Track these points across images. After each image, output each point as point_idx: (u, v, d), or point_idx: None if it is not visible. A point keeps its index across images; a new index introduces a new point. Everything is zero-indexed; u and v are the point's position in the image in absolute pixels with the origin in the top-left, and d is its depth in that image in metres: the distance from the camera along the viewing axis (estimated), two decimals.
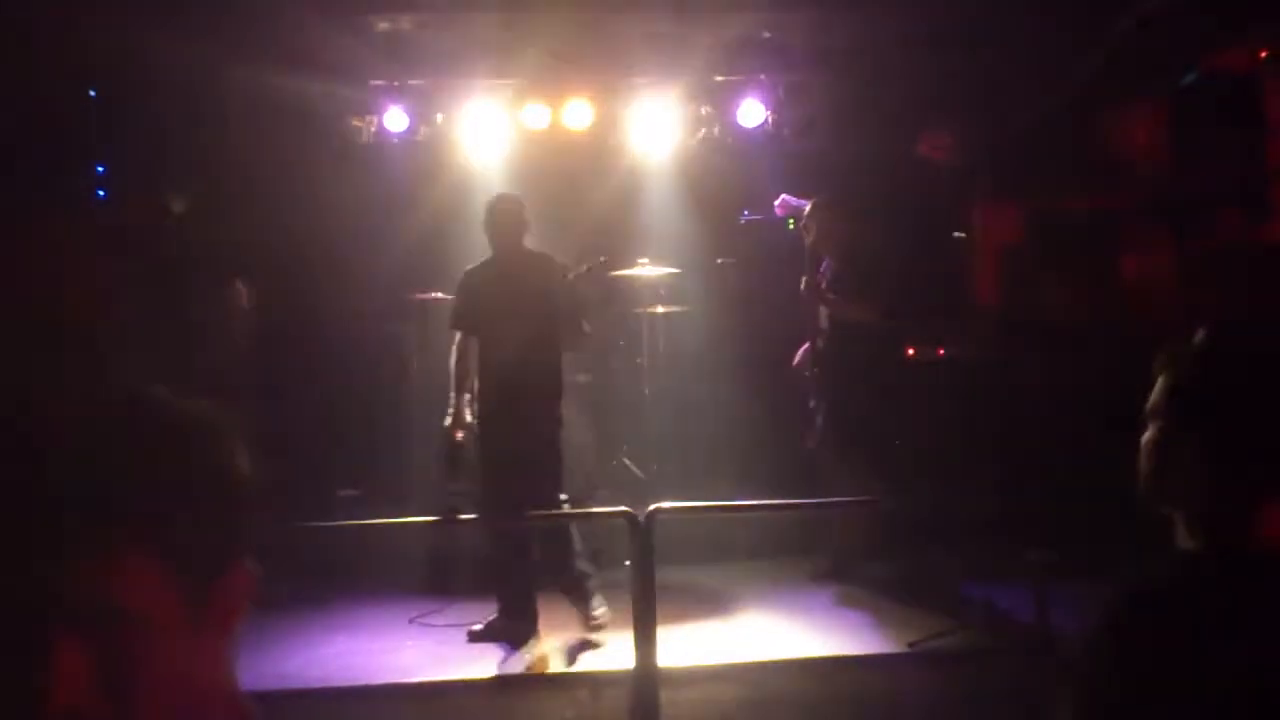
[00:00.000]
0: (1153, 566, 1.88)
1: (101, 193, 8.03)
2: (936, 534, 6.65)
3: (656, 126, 8.48)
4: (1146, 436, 1.92)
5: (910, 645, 5.73)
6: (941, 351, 7.59)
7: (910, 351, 7.50)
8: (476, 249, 6.23)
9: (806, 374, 7.14)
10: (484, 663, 5.77)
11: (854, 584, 6.73)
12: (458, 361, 5.89)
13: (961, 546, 6.45)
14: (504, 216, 6.07)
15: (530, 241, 6.16)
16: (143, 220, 7.50)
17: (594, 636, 5.87)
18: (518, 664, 5.68)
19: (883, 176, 8.05)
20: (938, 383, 7.34)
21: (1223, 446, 1.84)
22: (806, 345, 7.19)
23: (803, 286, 7.06)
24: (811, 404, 7.08)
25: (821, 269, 7.12)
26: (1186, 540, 1.87)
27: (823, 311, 7.03)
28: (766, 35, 8.13)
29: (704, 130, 8.70)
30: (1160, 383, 1.92)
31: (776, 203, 7.90)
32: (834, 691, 5.34)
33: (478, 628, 6.03)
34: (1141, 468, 1.93)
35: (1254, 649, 1.73)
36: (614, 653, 5.50)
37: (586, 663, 5.71)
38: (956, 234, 8.23)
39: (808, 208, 7.14)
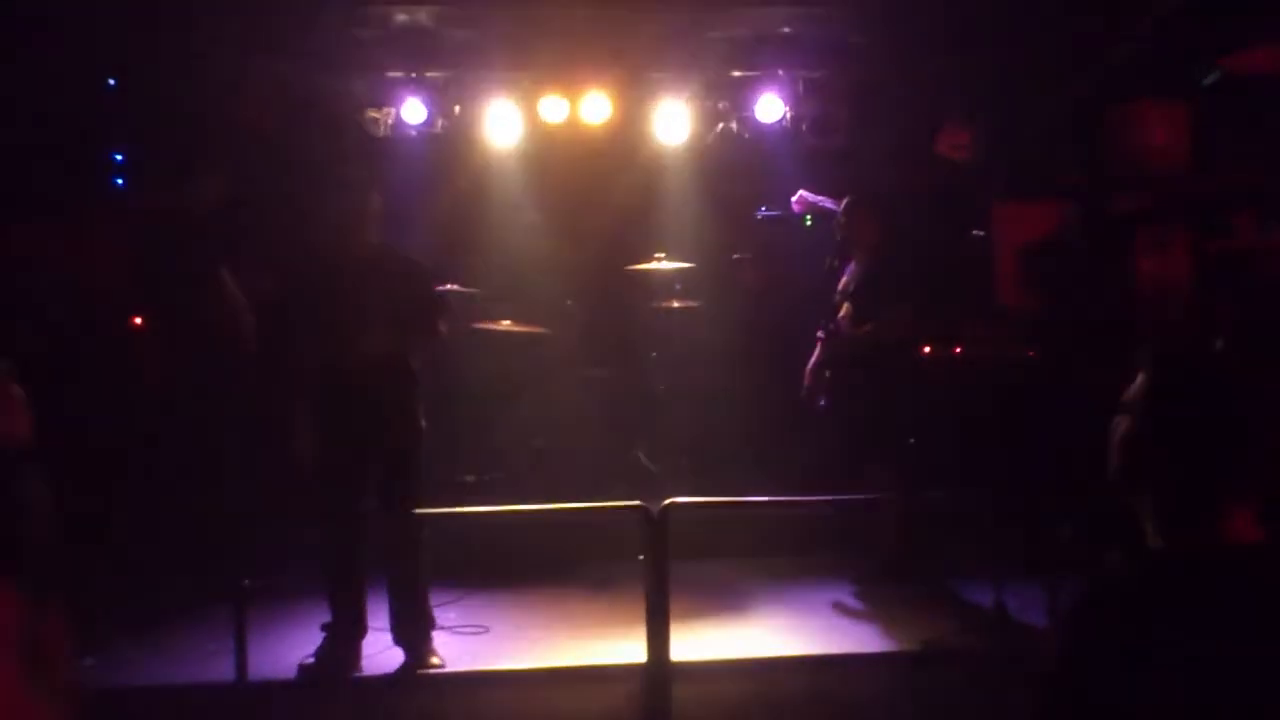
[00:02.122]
0: (1117, 563, 1.91)
1: (119, 181, 8.06)
2: (953, 533, 6.64)
3: (674, 121, 8.46)
4: (1120, 429, 1.94)
5: (924, 644, 5.72)
6: (958, 350, 7.57)
7: (926, 350, 7.48)
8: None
9: (822, 402, 7.09)
10: (494, 656, 5.78)
11: (900, 583, 6.69)
12: None
13: (977, 546, 6.43)
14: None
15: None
16: (167, 207, 7.52)
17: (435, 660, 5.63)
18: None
19: (901, 174, 8.03)
20: (954, 382, 7.31)
21: (1190, 451, 1.87)
22: (814, 362, 7.13)
23: (821, 334, 7.04)
24: (822, 403, 7.08)
25: (845, 275, 7.10)
26: (1154, 537, 1.90)
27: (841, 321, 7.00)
28: (786, 30, 8.10)
29: (721, 125, 8.69)
30: (1140, 379, 1.94)
31: (794, 199, 7.89)
32: (847, 689, 5.33)
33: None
34: (1112, 460, 1.95)
35: (1214, 646, 1.76)
36: (627, 647, 5.50)
37: (598, 656, 5.71)
38: (975, 232, 8.20)
39: (841, 207, 7.12)
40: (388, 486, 5.57)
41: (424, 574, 5.69)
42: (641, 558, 5.27)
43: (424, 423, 5.65)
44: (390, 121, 8.40)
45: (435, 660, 5.61)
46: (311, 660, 5.49)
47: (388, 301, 5.53)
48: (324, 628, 5.59)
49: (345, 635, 5.58)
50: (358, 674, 5.52)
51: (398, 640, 5.64)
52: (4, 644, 2.56)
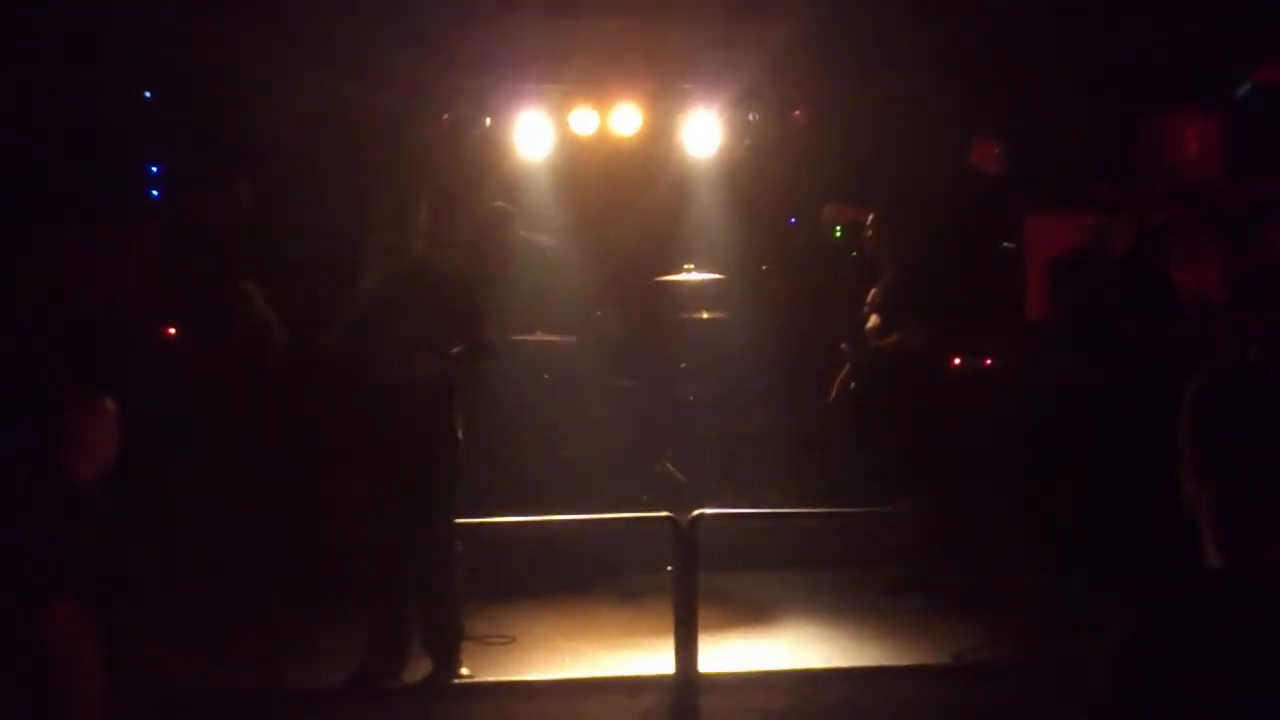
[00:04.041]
0: (1175, 584, 1.87)
1: (154, 193, 8.14)
2: (982, 545, 6.61)
3: (704, 132, 8.47)
4: (1180, 447, 1.91)
5: (955, 657, 5.70)
6: (989, 362, 7.55)
7: (957, 361, 7.46)
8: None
9: (848, 413, 7.10)
10: (521, 666, 5.80)
11: (923, 595, 6.67)
12: None
13: (1007, 558, 6.41)
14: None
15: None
16: (200, 219, 7.59)
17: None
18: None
19: (932, 185, 8.02)
20: (984, 393, 7.29)
21: (1243, 471, 1.83)
22: (844, 376, 7.13)
23: (844, 345, 7.04)
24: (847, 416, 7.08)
25: (874, 289, 7.10)
26: (1214, 558, 1.86)
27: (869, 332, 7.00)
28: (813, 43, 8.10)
29: (751, 136, 8.69)
30: (1189, 394, 1.90)
31: (824, 210, 7.89)
32: (876, 702, 5.32)
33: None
34: (1180, 480, 1.92)
35: (1271, 673, 1.72)
36: (655, 658, 5.51)
37: (626, 667, 5.72)
38: (1006, 244, 8.18)
39: (869, 219, 7.11)
40: (423, 499, 5.58)
41: (457, 586, 5.71)
42: (670, 568, 5.29)
43: (461, 434, 5.68)
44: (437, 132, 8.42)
45: (464, 671, 5.63)
46: (351, 671, 5.51)
47: (434, 316, 5.55)
48: (366, 637, 5.60)
49: (385, 647, 5.61)
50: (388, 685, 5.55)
51: (427, 650, 5.66)
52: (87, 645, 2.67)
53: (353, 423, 5.70)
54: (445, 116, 8.35)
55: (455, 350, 5.59)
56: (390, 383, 5.47)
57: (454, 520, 5.62)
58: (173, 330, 7.53)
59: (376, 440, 5.55)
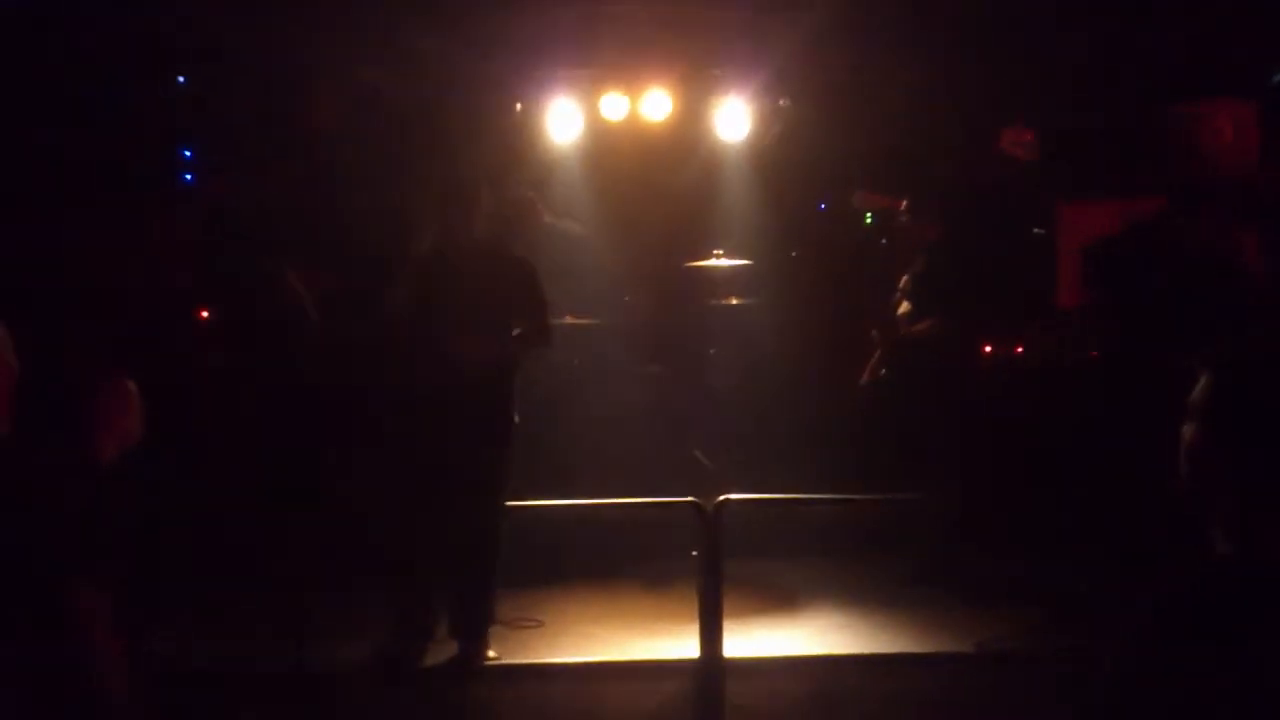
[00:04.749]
0: (1187, 570, 1.86)
1: (188, 177, 8.21)
2: (1008, 533, 6.59)
3: (734, 118, 8.45)
4: (1187, 435, 1.89)
5: (978, 645, 5.69)
6: (1020, 350, 7.50)
7: (987, 349, 7.42)
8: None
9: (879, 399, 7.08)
10: (547, 649, 5.83)
11: (947, 583, 6.65)
12: None
13: (1033, 546, 6.38)
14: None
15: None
16: (237, 202, 7.65)
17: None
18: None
19: (963, 172, 7.97)
20: (1015, 381, 7.25)
21: (1259, 456, 1.81)
22: (875, 362, 7.11)
23: (875, 332, 7.01)
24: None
25: (905, 276, 7.07)
26: (1223, 544, 1.85)
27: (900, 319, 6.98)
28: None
29: (781, 122, 8.66)
30: (1203, 381, 1.89)
31: (854, 196, 7.85)
32: (898, 689, 5.33)
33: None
34: (1181, 467, 1.90)
35: None
36: (680, 643, 5.52)
37: (651, 652, 5.74)
38: (1035, 230, 8.11)
39: (902, 206, 7.09)
40: (473, 480, 5.60)
41: (495, 570, 5.74)
42: (695, 553, 5.30)
43: (517, 418, 5.73)
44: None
45: (491, 654, 5.67)
46: (377, 651, 5.56)
47: (496, 299, 5.61)
48: (392, 617, 5.65)
49: (412, 628, 5.66)
50: (414, 666, 5.59)
51: (454, 633, 5.70)
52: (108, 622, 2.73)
53: (407, 400, 5.72)
54: (519, 106, 8.35)
55: (516, 333, 5.67)
56: (451, 362, 5.49)
57: (502, 504, 5.66)
58: (205, 313, 7.59)
59: (431, 418, 5.56)
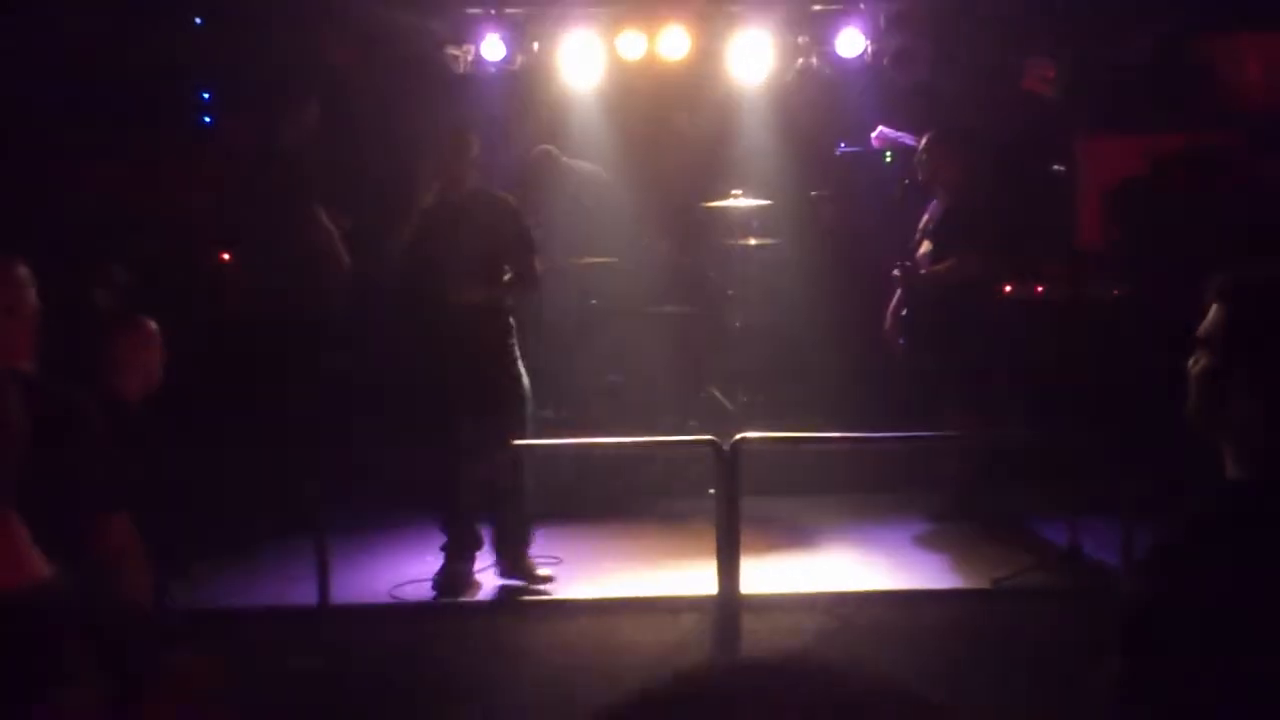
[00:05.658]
0: (1201, 497, 1.87)
1: (207, 119, 8.20)
2: (1028, 471, 6.60)
3: (753, 56, 8.37)
4: (1196, 365, 1.90)
5: (995, 581, 5.72)
6: (1040, 289, 7.46)
7: (1008, 289, 7.38)
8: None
9: (901, 341, 7.05)
10: (568, 585, 5.90)
11: (973, 520, 6.67)
12: None
13: (1053, 484, 6.39)
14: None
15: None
16: (251, 145, 7.65)
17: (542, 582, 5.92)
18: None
19: (984, 109, 7.89)
20: (1035, 320, 7.22)
21: (1273, 381, 1.82)
22: (896, 303, 7.08)
23: (896, 271, 6.98)
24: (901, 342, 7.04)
25: (926, 215, 7.02)
26: (1235, 470, 1.86)
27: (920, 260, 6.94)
28: None
29: (801, 60, 8.57)
30: (1214, 311, 1.89)
31: (874, 134, 7.79)
32: (916, 624, 5.37)
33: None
34: (1190, 396, 1.91)
35: None
36: (698, 579, 5.58)
37: (670, 588, 5.80)
38: (1056, 167, 8.03)
39: (922, 143, 7.03)
40: (483, 420, 5.79)
41: (526, 494, 5.94)
42: (713, 492, 5.33)
43: (521, 361, 5.90)
44: (470, 59, 8.41)
45: (541, 573, 5.88)
46: (433, 579, 5.77)
47: (485, 245, 5.77)
48: (442, 549, 5.86)
49: (461, 553, 5.87)
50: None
51: (500, 555, 5.91)
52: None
53: (413, 342, 5.98)
54: (535, 45, 8.33)
55: (505, 278, 5.83)
56: (449, 305, 5.69)
57: (524, 428, 5.86)
58: (227, 256, 7.61)
59: (438, 358, 5.81)
